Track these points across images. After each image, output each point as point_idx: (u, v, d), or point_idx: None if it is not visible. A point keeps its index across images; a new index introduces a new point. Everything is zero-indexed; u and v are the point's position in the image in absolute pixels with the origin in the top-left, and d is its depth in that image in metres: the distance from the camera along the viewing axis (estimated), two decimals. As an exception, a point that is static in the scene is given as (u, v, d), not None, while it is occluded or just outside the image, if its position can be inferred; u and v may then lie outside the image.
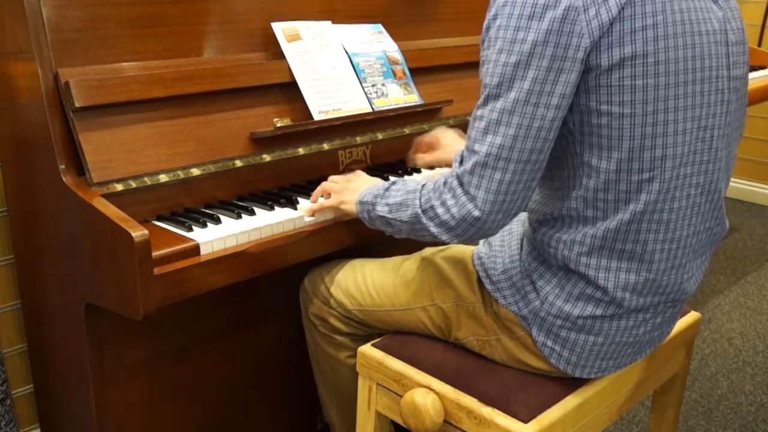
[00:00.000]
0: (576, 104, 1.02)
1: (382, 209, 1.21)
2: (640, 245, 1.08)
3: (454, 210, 1.06)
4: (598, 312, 1.11)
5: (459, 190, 1.05)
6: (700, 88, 1.04)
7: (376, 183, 1.31)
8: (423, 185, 1.14)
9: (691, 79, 1.02)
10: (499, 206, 1.04)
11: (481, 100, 1.04)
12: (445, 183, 1.09)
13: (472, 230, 1.06)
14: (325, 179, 1.43)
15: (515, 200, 1.04)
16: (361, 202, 1.27)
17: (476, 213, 1.04)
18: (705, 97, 1.05)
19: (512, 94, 0.99)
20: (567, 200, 1.09)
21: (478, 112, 1.04)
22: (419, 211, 1.12)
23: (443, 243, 1.15)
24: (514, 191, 1.03)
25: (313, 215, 1.36)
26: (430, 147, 1.60)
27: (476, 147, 1.03)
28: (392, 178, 1.42)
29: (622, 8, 0.96)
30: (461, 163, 1.07)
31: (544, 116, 1.00)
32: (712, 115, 1.06)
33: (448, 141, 1.57)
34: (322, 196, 1.39)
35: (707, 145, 1.07)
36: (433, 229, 1.10)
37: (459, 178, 1.06)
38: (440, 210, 1.08)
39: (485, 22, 1.04)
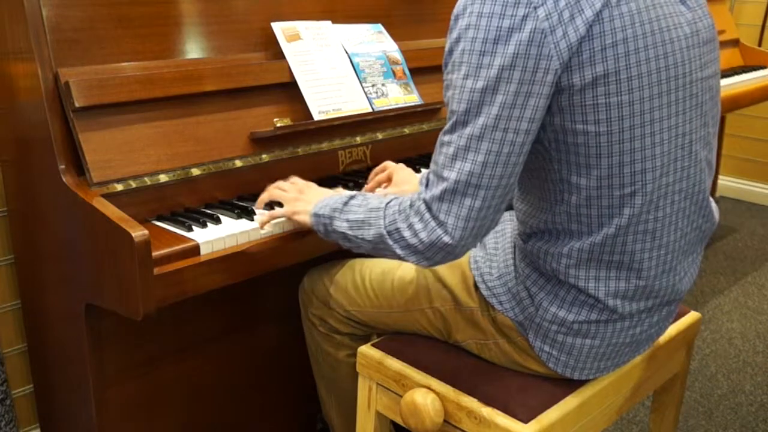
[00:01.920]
0: (550, 124, 1.00)
1: (340, 225, 1.17)
2: (627, 255, 1.07)
3: (422, 235, 1.03)
4: (593, 317, 1.11)
5: (427, 215, 1.02)
6: (675, 96, 1.02)
7: (327, 194, 1.28)
8: (386, 204, 1.11)
9: (666, 89, 1.01)
10: (470, 232, 1.01)
11: (448, 126, 1.01)
12: (411, 206, 1.05)
13: (441, 254, 1.04)
14: (326, 179, 1.43)
15: (485, 224, 1.03)
16: (316, 215, 1.22)
17: (446, 239, 1.01)
18: (680, 105, 1.03)
19: (480, 120, 0.97)
20: (551, 214, 1.08)
21: (446, 138, 1.01)
22: (384, 231, 1.08)
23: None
24: (484, 216, 1.01)
25: (262, 225, 1.30)
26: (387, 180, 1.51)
27: (445, 173, 1.00)
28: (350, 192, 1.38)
29: (590, 26, 0.94)
30: (427, 187, 1.04)
31: (514, 141, 0.97)
32: (688, 120, 1.05)
33: (401, 178, 1.48)
34: (270, 203, 1.35)
35: (687, 151, 1.06)
36: (399, 252, 1.07)
37: (427, 203, 1.02)
38: (407, 233, 1.05)
39: (447, 45, 1.02)
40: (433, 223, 1.02)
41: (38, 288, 1.47)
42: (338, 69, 1.61)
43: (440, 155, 1.02)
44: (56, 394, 1.53)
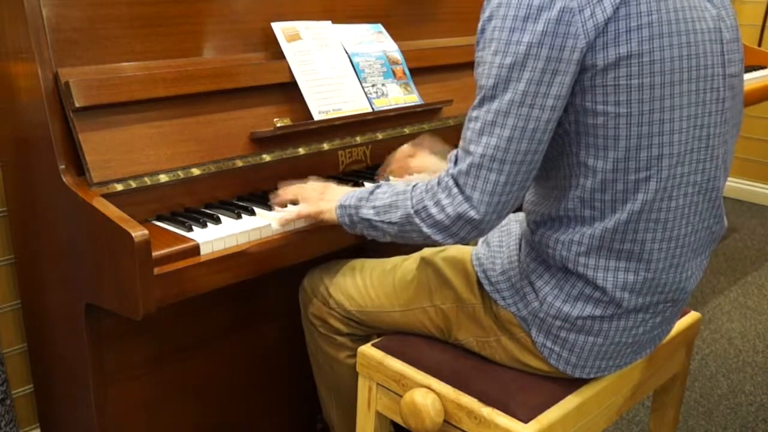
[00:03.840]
0: (572, 104, 1.02)
1: (367, 212, 1.19)
2: (638, 245, 1.08)
3: (449, 209, 1.06)
4: (597, 312, 1.11)
5: (455, 190, 1.05)
6: (696, 86, 1.04)
7: (348, 190, 1.30)
8: (413, 186, 1.14)
9: (687, 78, 1.02)
10: (494, 207, 1.04)
11: (476, 101, 1.04)
12: (439, 183, 1.08)
13: (467, 228, 1.06)
14: (325, 179, 1.43)
15: (509, 201, 1.04)
16: (342, 206, 1.25)
17: (472, 213, 1.04)
18: (700, 96, 1.05)
19: (507, 96, 0.99)
20: (564, 201, 1.09)
21: (474, 113, 1.04)
22: (411, 211, 1.11)
23: (433, 244, 1.15)
24: (509, 192, 1.03)
25: (284, 224, 1.31)
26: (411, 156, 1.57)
27: (471, 148, 1.03)
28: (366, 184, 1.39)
29: (617, 8, 0.96)
30: (456, 163, 1.06)
31: (539, 117, 1.00)
32: (707, 113, 1.06)
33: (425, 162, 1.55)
34: (288, 203, 1.36)
35: (704, 144, 1.07)
36: (426, 230, 1.10)
37: (454, 178, 1.05)
38: (434, 210, 1.08)
39: (480, 24, 1.04)
40: (460, 197, 1.05)
41: (38, 288, 1.47)
42: (338, 69, 1.61)
43: (468, 130, 1.05)
44: (56, 394, 1.53)
